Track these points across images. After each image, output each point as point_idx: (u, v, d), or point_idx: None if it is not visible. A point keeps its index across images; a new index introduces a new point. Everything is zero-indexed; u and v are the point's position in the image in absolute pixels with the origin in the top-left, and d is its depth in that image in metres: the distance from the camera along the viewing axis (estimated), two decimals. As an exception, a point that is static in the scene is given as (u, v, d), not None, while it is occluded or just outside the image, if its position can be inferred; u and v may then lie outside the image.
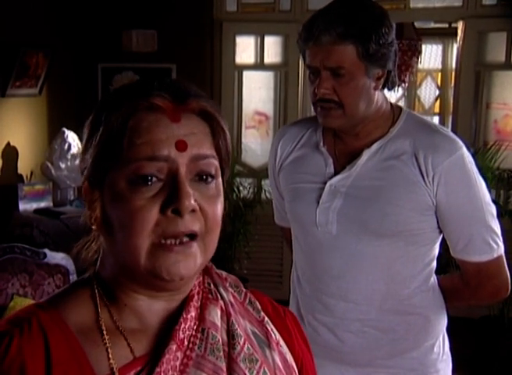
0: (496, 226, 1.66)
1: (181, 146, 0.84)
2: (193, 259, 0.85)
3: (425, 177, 1.60)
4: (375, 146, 1.66)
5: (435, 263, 1.73)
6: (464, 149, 1.63)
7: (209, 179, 0.87)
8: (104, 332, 0.87)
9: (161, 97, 0.85)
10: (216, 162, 0.88)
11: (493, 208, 1.66)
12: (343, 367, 1.72)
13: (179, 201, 0.82)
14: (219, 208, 0.88)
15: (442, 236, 1.70)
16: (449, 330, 1.79)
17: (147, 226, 0.83)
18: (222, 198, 0.89)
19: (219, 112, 0.90)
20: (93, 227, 0.90)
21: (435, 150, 1.60)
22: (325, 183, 1.69)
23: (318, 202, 1.69)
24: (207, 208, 0.86)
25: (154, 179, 0.83)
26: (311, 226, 1.71)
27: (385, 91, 1.71)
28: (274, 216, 1.99)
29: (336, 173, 1.69)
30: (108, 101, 0.89)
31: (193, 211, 0.84)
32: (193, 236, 0.85)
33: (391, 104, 1.72)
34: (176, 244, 0.83)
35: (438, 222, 1.66)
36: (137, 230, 0.83)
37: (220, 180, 0.89)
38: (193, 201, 0.83)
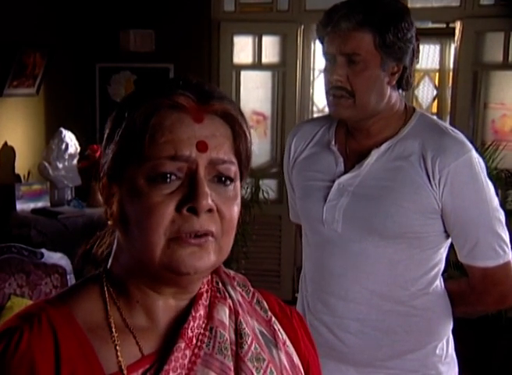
0: (504, 233, 1.63)
1: (202, 147, 0.84)
2: (207, 254, 0.85)
3: (432, 179, 1.59)
4: (384, 146, 1.65)
5: (441, 267, 1.71)
6: (473, 152, 1.62)
7: (228, 181, 0.87)
8: (113, 329, 0.87)
9: (184, 96, 0.85)
10: (234, 167, 0.88)
11: (501, 214, 1.64)
12: (344, 366, 1.72)
13: (197, 200, 0.82)
14: (236, 210, 0.88)
15: (449, 240, 1.68)
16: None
17: (162, 222, 0.83)
18: (239, 201, 0.89)
19: (242, 115, 0.90)
20: (109, 222, 0.90)
21: (443, 152, 1.59)
22: (335, 181, 1.69)
23: (326, 200, 1.69)
24: (224, 209, 0.86)
25: (173, 177, 0.84)
26: (318, 223, 1.71)
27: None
28: (289, 213, 1.99)
29: (346, 171, 1.69)
30: (132, 98, 0.90)
31: (210, 211, 0.84)
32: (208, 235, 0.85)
33: (405, 104, 1.72)
34: (192, 237, 0.84)
35: (444, 225, 1.64)
36: (153, 226, 0.83)
37: (238, 183, 0.90)
38: (210, 201, 0.84)
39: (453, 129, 1.69)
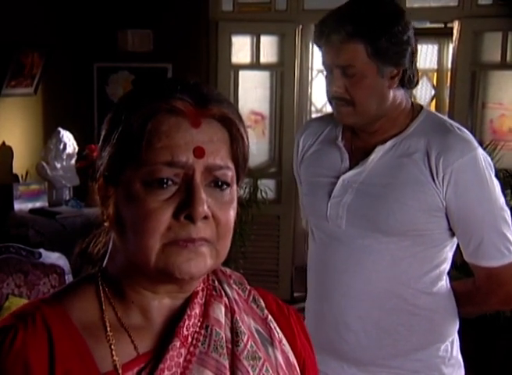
0: (509, 233, 1.62)
1: (199, 153, 0.84)
2: (203, 259, 0.85)
3: (435, 178, 1.59)
4: (389, 143, 1.65)
5: (446, 266, 1.70)
6: (479, 150, 1.61)
7: (224, 186, 0.87)
8: (108, 328, 0.87)
9: (182, 100, 0.84)
10: (231, 172, 0.87)
11: (507, 214, 1.63)
12: (346, 365, 1.71)
13: (193, 207, 0.82)
14: (232, 214, 0.88)
15: (455, 239, 1.67)
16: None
17: (159, 228, 0.83)
18: (235, 204, 0.89)
19: (240, 119, 0.90)
20: (105, 224, 0.90)
21: (448, 150, 1.58)
22: (339, 177, 1.69)
23: (331, 196, 1.69)
24: (219, 214, 0.85)
25: (169, 182, 0.83)
26: (323, 219, 1.72)
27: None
28: (300, 211, 1.98)
29: (351, 168, 1.69)
30: (129, 100, 0.89)
31: (206, 218, 0.84)
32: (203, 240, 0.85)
33: (412, 102, 1.71)
34: (188, 242, 0.84)
35: (449, 223, 1.63)
36: (149, 231, 0.83)
37: (235, 186, 0.89)
38: (206, 208, 0.83)
39: (460, 127, 1.67)
